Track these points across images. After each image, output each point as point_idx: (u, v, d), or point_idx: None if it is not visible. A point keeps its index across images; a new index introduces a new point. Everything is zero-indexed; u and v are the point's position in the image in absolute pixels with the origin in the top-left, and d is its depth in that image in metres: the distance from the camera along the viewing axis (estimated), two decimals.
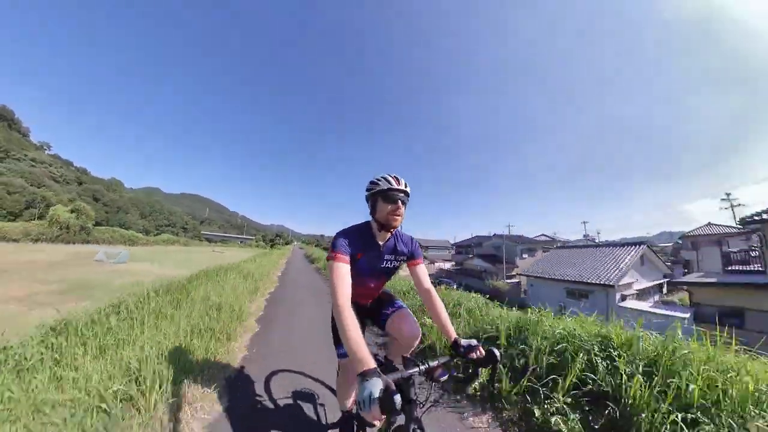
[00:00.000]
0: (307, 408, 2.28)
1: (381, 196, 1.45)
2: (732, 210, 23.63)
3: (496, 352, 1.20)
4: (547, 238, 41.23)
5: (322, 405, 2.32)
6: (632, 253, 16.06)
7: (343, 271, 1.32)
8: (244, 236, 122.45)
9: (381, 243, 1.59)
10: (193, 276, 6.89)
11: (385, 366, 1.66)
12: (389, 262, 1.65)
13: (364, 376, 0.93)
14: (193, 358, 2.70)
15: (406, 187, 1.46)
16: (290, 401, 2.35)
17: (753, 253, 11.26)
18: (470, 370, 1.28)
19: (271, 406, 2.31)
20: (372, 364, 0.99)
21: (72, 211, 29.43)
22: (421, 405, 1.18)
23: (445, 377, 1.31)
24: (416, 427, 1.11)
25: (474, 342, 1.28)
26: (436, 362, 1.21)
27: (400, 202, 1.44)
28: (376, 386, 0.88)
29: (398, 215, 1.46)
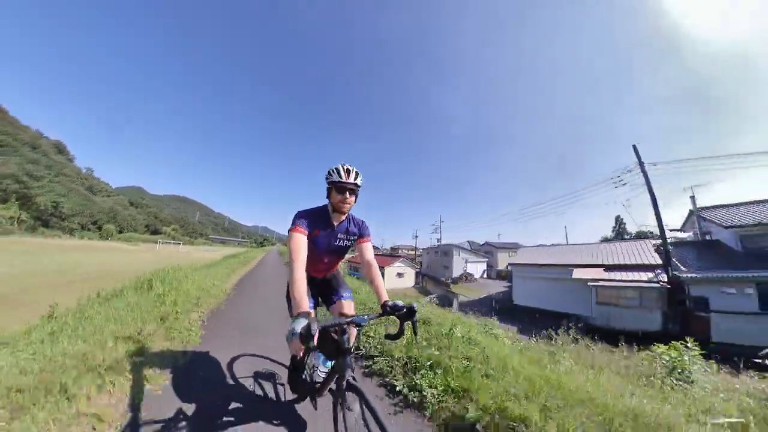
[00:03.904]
0: (268, 387, 2.41)
1: (333, 186, 1.73)
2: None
3: (415, 306, 1.46)
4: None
5: (281, 384, 2.46)
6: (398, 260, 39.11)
7: (300, 240, 1.62)
8: (240, 239, 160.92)
9: (335, 224, 1.87)
10: (239, 253, 42.29)
11: None
12: (342, 241, 1.93)
13: (297, 315, 1.21)
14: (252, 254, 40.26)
15: (356, 179, 1.71)
16: (251, 381, 2.48)
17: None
18: (399, 328, 1.53)
19: (235, 385, 2.43)
20: (305, 308, 1.29)
21: (172, 229, 67.18)
22: (353, 353, 1.42)
23: (365, 323, 1.42)
24: (352, 374, 1.36)
25: (399, 303, 1.52)
26: (366, 316, 1.47)
27: (348, 192, 1.72)
28: (300, 323, 1.14)
29: (347, 203, 1.76)
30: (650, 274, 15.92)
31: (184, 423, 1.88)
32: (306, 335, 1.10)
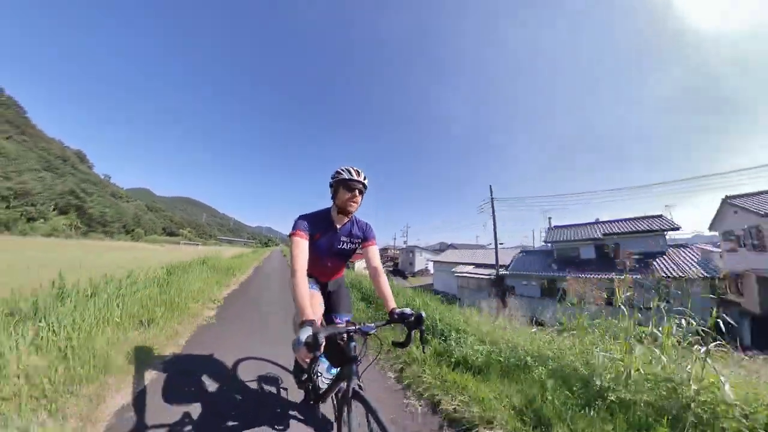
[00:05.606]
0: (271, 391, 2.46)
1: (342, 185, 1.72)
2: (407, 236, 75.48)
3: (423, 314, 1.46)
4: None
5: (285, 388, 2.49)
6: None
7: (301, 245, 1.62)
8: (245, 239, 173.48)
9: (338, 226, 1.85)
10: (248, 252, 53.52)
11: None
12: (345, 244, 1.90)
13: (302, 324, 1.22)
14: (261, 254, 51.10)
15: (364, 179, 1.73)
16: (256, 385, 2.51)
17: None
18: (406, 335, 1.51)
19: (239, 389, 2.46)
20: (310, 316, 1.29)
21: (188, 231, 78.61)
22: (360, 361, 1.41)
23: (372, 331, 1.42)
24: (358, 382, 1.35)
25: (408, 310, 1.50)
26: (374, 324, 1.46)
27: (357, 191, 1.72)
28: (305, 332, 1.14)
29: (354, 202, 1.75)
30: (492, 270, 26.44)
31: (189, 428, 1.91)
32: (313, 344, 1.11)
